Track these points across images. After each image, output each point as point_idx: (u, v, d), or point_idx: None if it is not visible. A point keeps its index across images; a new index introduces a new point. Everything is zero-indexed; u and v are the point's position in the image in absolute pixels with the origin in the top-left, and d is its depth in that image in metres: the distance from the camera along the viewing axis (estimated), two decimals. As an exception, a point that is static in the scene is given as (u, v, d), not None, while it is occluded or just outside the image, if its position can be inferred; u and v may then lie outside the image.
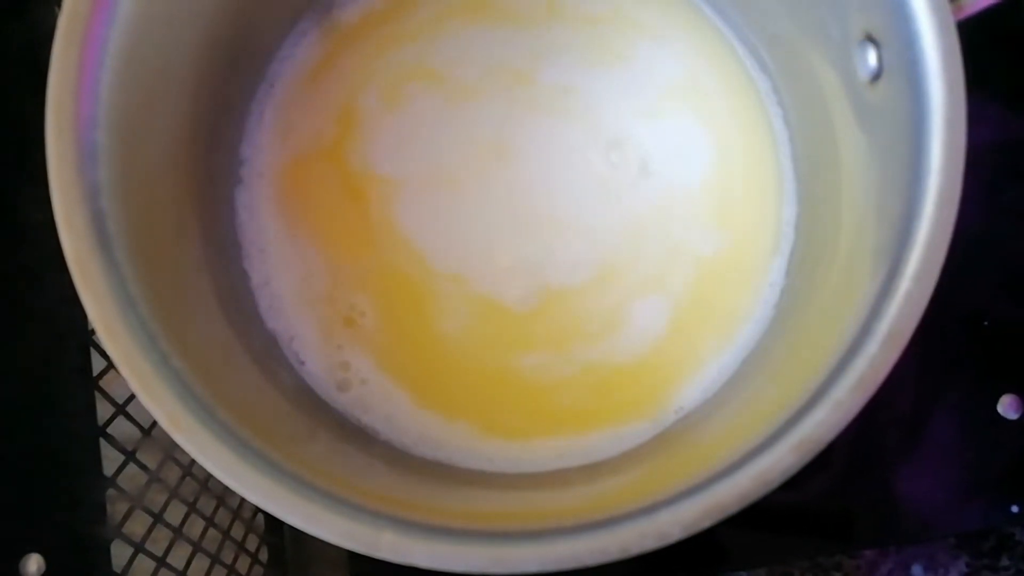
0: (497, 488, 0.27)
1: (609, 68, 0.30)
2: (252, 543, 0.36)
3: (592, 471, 0.27)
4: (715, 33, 0.30)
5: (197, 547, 0.32)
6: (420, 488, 0.25)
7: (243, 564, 0.35)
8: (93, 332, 0.27)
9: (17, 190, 0.26)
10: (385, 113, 0.30)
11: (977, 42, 0.21)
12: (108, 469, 0.28)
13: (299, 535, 0.20)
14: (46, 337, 0.26)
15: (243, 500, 0.25)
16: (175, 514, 0.31)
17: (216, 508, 0.34)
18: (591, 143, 0.30)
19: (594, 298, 0.29)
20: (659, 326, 0.29)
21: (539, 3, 0.30)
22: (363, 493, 0.20)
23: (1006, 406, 0.35)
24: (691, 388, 0.28)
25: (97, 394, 0.28)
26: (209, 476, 0.20)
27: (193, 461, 0.20)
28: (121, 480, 0.28)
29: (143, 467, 0.30)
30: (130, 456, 0.29)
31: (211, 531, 0.33)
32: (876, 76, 0.22)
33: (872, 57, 0.22)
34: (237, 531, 0.35)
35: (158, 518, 0.30)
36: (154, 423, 0.23)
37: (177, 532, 0.31)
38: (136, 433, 0.29)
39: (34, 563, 0.24)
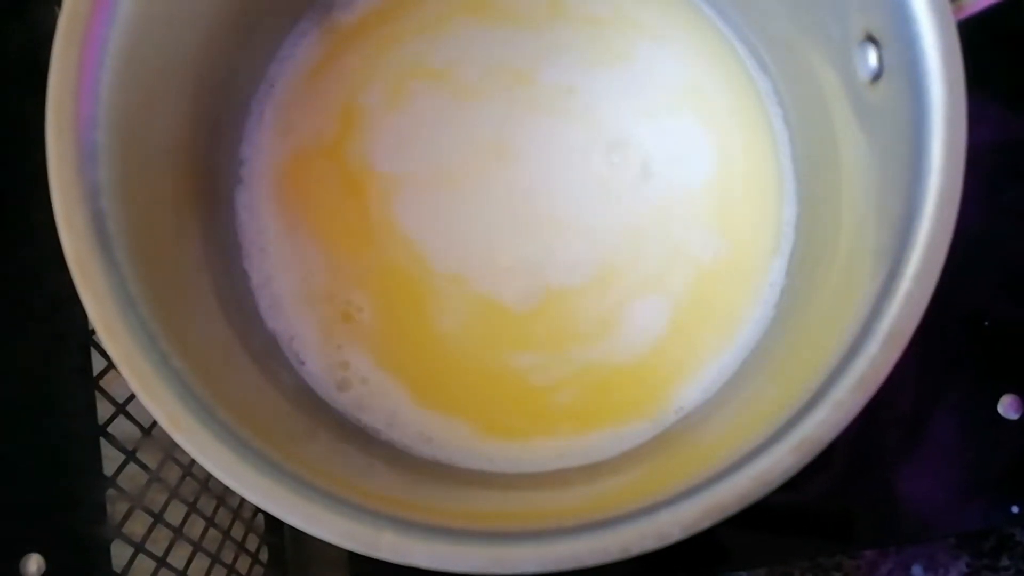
0: (497, 488, 0.27)
1: (610, 68, 0.30)
2: (252, 543, 0.36)
3: (592, 471, 0.27)
4: (715, 33, 0.30)
5: (197, 547, 0.32)
6: (420, 488, 0.25)
7: (243, 564, 0.35)
8: (93, 332, 0.27)
9: (17, 190, 0.26)
10: (385, 113, 0.30)
11: (977, 42, 0.21)
12: (108, 469, 0.28)
13: (299, 535, 0.20)
14: (46, 337, 0.26)
15: (243, 500, 0.25)
16: (175, 514, 0.31)
17: (216, 508, 0.34)
18: (591, 143, 0.30)
19: (594, 298, 0.29)
20: (659, 326, 0.29)
21: (540, 3, 0.30)
22: (363, 493, 0.20)
23: (1006, 406, 0.35)
24: (691, 388, 0.28)
25: (97, 394, 0.28)
26: (209, 476, 0.20)
27: (193, 461, 0.20)
28: (121, 480, 0.28)
29: (143, 467, 0.30)
30: (130, 456, 0.29)
31: (211, 531, 0.33)
32: (876, 76, 0.22)
33: (872, 57, 0.22)
34: (237, 531, 0.34)
35: (158, 518, 0.30)
36: (154, 423, 0.23)
37: (177, 532, 0.31)
38: (136, 433, 0.29)
39: (34, 563, 0.24)
